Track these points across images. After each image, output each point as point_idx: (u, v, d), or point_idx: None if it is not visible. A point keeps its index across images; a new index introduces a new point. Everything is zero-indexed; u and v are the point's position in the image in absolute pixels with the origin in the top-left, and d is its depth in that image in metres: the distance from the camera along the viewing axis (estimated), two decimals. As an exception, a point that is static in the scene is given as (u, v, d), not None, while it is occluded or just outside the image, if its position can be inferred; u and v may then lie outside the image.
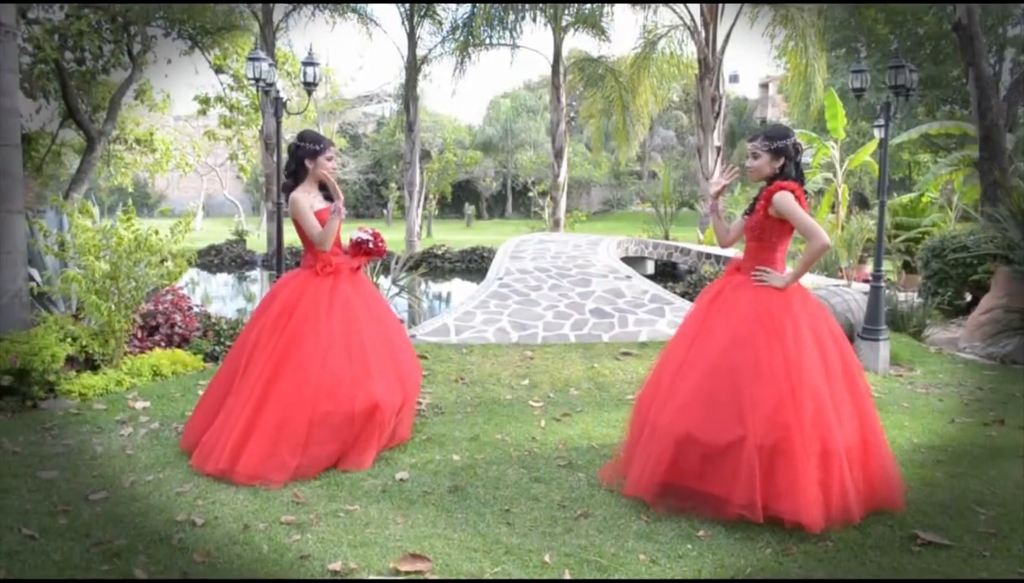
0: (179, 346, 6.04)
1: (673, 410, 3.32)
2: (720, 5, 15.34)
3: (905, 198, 13.85)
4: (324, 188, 4.19)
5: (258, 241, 21.35)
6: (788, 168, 3.52)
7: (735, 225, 3.79)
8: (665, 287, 9.41)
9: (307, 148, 4.08)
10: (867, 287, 6.86)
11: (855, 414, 3.34)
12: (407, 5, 16.98)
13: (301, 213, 4.01)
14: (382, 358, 4.02)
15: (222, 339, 6.23)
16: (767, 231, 3.51)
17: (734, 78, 40.81)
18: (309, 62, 7.50)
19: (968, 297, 8.99)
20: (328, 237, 4.02)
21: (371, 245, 4.19)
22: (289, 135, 19.65)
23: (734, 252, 4.07)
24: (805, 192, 3.56)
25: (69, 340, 5.14)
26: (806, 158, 18.26)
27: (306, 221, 4.01)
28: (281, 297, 4.02)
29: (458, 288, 14.39)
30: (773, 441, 3.11)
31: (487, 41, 16.62)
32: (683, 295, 9.01)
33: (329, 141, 4.17)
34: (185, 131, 24.32)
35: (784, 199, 3.42)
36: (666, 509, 3.28)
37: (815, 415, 3.17)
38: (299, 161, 4.09)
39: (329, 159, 4.11)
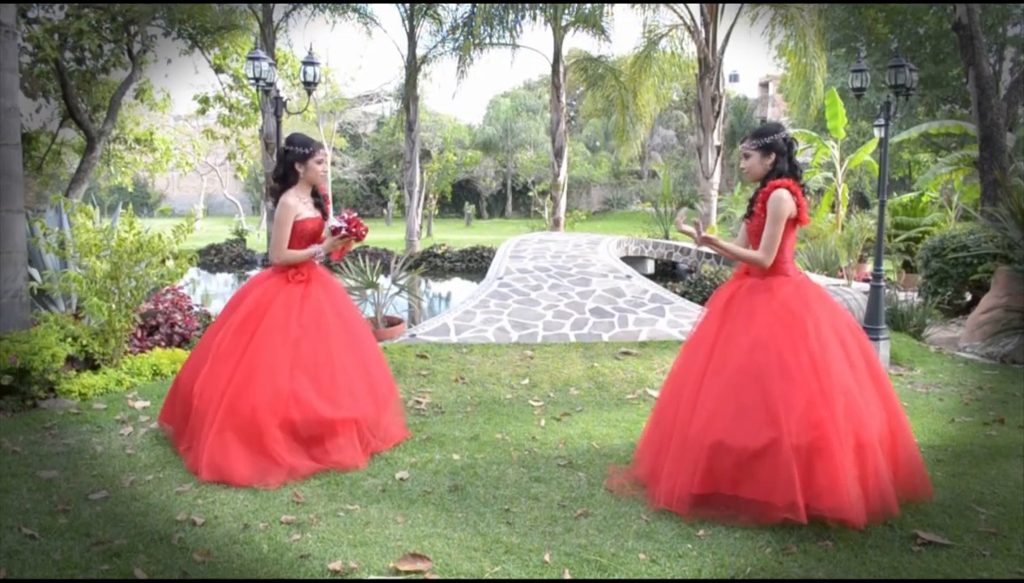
0: (179, 345, 6.04)
1: (702, 419, 3.29)
2: (720, 5, 15.32)
3: (905, 197, 13.85)
4: (316, 195, 4.18)
5: (258, 241, 21.35)
6: (781, 164, 3.49)
7: (741, 235, 3.75)
8: (665, 287, 9.40)
9: (296, 152, 4.05)
10: (867, 286, 6.86)
11: (881, 405, 3.35)
12: (407, 5, 16.97)
13: (279, 223, 4.00)
14: (350, 367, 4.01)
15: (222, 339, 6.22)
16: None
17: (734, 78, 40.70)
18: (309, 61, 7.50)
19: (968, 296, 8.99)
20: (286, 261, 4.02)
21: (345, 230, 4.03)
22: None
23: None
24: (803, 188, 3.53)
25: (69, 340, 5.14)
26: (806, 158, 18.27)
27: (279, 232, 4.00)
28: (250, 300, 4.00)
29: (458, 288, 14.38)
30: (809, 440, 3.10)
31: (487, 41, 16.59)
32: (683, 295, 9.01)
33: (319, 144, 4.14)
34: (185, 131, 24.29)
35: (775, 203, 3.39)
36: (701, 518, 3.23)
37: (847, 410, 3.16)
38: (289, 165, 4.07)
39: (319, 162, 4.08)
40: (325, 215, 4.22)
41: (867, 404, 3.26)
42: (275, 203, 4.09)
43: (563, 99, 17.52)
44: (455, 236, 23.94)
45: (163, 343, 5.98)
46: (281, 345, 3.83)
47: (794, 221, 3.46)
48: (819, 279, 9.67)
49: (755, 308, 3.42)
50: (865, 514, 3.05)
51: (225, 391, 3.73)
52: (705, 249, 3.95)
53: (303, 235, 4.06)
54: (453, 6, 20.19)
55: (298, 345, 3.87)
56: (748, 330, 3.37)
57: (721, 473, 3.22)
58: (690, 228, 3.58)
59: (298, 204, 4.04)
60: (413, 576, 2.77)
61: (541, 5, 16.15)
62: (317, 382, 3.85)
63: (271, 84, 7.40)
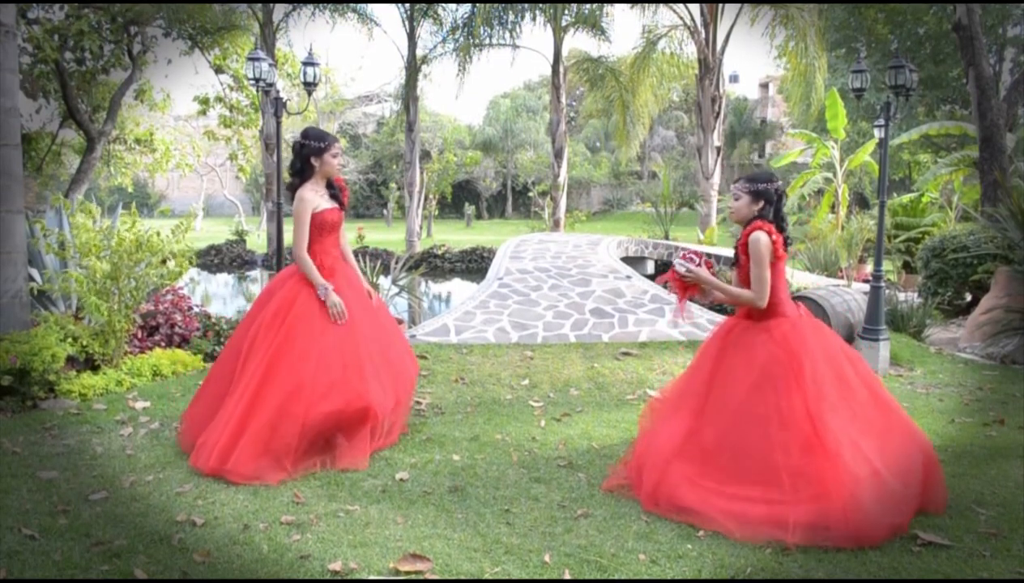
0: (179, 346, 6.04)
1: (698, 459, 3.33)
2: (720, 5, 15.33)
3: (905, 198, 13.86)
4: (331, 186, 4.20)
5: (258, 241, 21.36)
6: (766, 211, 3.51)
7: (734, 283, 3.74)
8: (665, 287, 9.40)
9: (312, 146, 4.07)
10: (867, 287, 6.86)
11: (886, 428, 3.36)
12: (407, 5, 16.98)
13: (298, 219, 4.00)
14: (375, 359, 4.03)
15: (222, 339, 6.23)
16: None
17: (734, 78, 40.75)
18: (309, 62, 7.50)
19: (968, 297, 8.99)
20: (303, 262, 3.99)
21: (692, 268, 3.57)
22: (289, 135, 19.63)
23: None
24: (787, 240, 3.49)
25: (69, 340, 5.14)
26: (806, 158, 18.27)
27: (299, 229, 4.00)
28: (279, 296, 4.02)
29: (458, 288, 14.38)
30: (808, 476, 3.11)
31: (487, 41, 16.61)
32: (683, 295, 8.99)
33: (334, 137, 4.16)
34: (185, 131, 24.32)
35: (754, 245, 3.39)
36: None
37: (848, 444, 3.16)
38: (305, 159, 4.09)
39: (335, 156, 4.11)
40: (342, 205, 4.22)
41: (868, 430, 3.28)
42: (292, 197, 4.09)
43: (563, 99, 17.52)
44: (455, 237, 23.95)
45: (163, 344, 5.98)
46: (306, 340, 3.85)
47: (775, 260, 3.44)
48: (819, 280, 9.67)
49: (754, 349, 3.43)
50: (882, 538, 3.04)
51: (247, 387, 3.74)
52: (704, 249, 3.90)
53: (322, 226, 4.08)
54: (453, 6, 20.16)
55: (324, 339, 3.89)
56: (747, 371, 3.39)
57: (713, 505, 3.22)
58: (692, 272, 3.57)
59: (315, 197, 4.05)
60: (413, 576, 2.77)
61: (541, 5, 16.15)
62: (344, 374, 3.86)
63: (271, 85, 7.39)
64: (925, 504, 3.31)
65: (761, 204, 3.51)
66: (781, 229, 3.49)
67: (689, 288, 3.63)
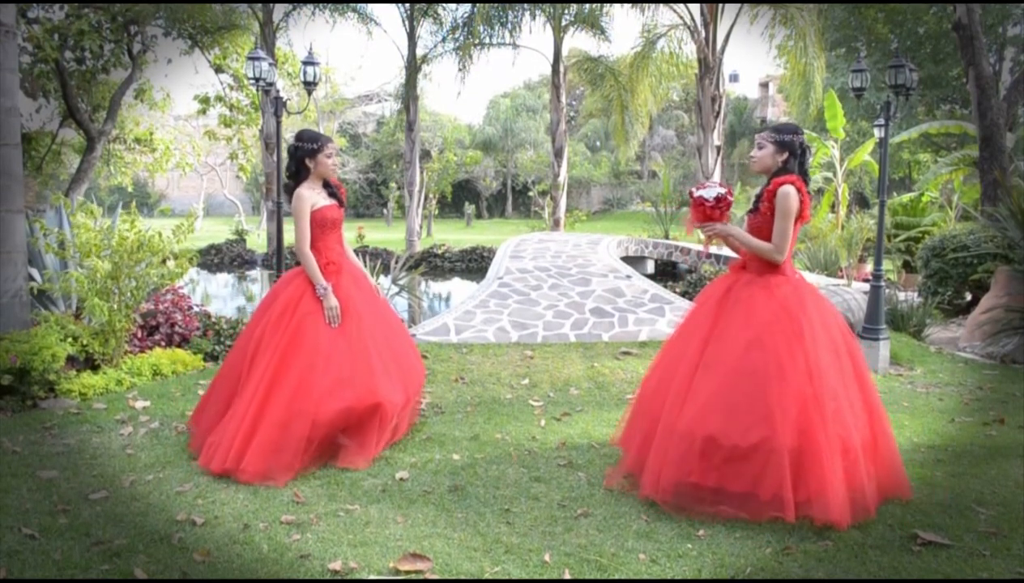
0: (179, 345, 6.04)
1: (693, 413, 3.29)
2: (720, 5, 15.32)
3: (905, 197, 13.85)
4: (328, 185, 4.20)
5: (258, 241, 21.35)
6: (791, 164, 3.51)
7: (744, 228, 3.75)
8: (665, 287, 9.41)
9: (306, 148, 4.08)
10: (867, 286, 6.86)
11: (865, 408, 3.37)
12: (407, 5, 16.98)
13: (298, 216, 4.02)
14: (384, 356, 4.04)
15: (222, 339, 6.24)
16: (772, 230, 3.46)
17: (734, 78, 40.75)
18: (309, 61, 7.50)
19: (968, 296, 9.00)
20: (305, 257, 4.01)
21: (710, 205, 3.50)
22: (289, 134, 19.63)
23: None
24: (809, 193, 3.55)
25: (69, 340, 5.14)
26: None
27: (300, 226, 4.02)
28: (283, 296, 4.03)
29: (458, 288, 14.38)
30: (800, 443, 3.12)
31: (487, 41, 16.60)
32: (683, 295, 9.01)
33: (328, 138, 4.17)
34: (185, 131, 24.34)
35: (783, 199, 3.39)
36: (687, 513, 3.23)
37: (835, 415, 3.18)
38: (299, 161, 4.10)
39: (329, 156, 4.12)
40: (341, 202, 4.24)
41: (852, 408, 3.29)
42: (289, 199, 4.10)
43: (563, 99, 17.52)
44: (455, 236, 23.94)
45: (163, 343, 5.98)
46: (314, 338, 3.86)
47: (797, 218, 3.47)
48: (819, 279, 9.66)
49: (753, 306, 3.41)
50: (852, 517, 3.09)
51: (258, 387, 3.74)
52: (712, 248, 3.88)
53: (323, 223, 4.09)
54: (453, 6, 20.12)
55: (332, 336, 3.90)
56: (745, 328, 3.37)
57: (709, 467, 3.22)
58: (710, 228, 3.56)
59: (312, 194, 4.07)
60: (413, 576, 2.77)
61: (541, 5, 16.15)
62: (354, 370, 3.86)
63: (271, 84, 7.39)
64: (891, 490, 3.36)
65: (785, 155, 3.51)
66: (804, 180, 3.49)
67: (714, 217, 3.50)
